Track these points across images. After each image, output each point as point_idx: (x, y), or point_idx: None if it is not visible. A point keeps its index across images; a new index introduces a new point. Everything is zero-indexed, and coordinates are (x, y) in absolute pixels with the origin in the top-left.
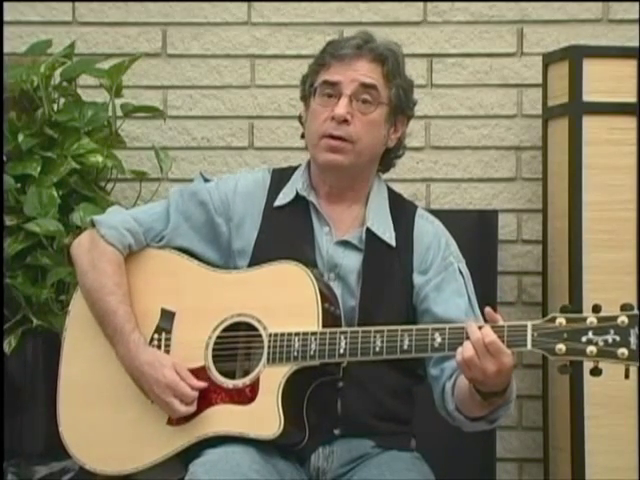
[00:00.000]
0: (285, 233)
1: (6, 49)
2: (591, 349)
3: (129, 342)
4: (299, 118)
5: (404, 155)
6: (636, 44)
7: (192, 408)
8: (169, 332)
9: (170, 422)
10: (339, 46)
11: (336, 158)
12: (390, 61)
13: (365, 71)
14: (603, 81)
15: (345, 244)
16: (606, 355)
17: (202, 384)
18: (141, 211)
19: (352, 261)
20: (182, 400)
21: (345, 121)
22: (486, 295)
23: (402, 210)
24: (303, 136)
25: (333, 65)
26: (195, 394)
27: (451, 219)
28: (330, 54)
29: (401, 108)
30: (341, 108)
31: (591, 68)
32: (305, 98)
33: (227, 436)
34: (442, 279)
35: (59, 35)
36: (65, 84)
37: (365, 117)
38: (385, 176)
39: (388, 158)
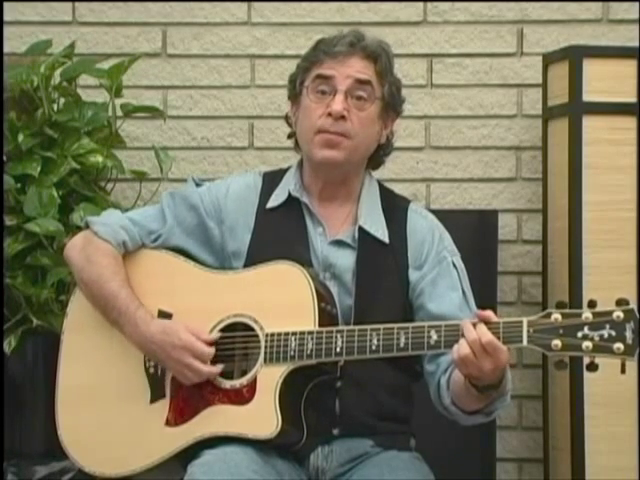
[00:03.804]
0: (279, 234)
1: (6, 49)
2: (587, 344)
3: (136, 319)
4: (286, 118)
5: (398, 153)
6: (636, 44)
7: (215, 369)
8: None
9: (168, 423)
10: (331, 44)
11: (332, 154)
12: (383, 59)
13: (359, 68)
14: (603, 81)
15: (339, 243)
16: (602, 350)
17: (216, 336)
18: (135, 213)
19: (346, 260)
20: (201, 359)
21: (342, 117)
22: (486, 295)
23: (394, 206)
24: (290, 136)
25: (326, 62)
26: (212, 350)
27: (451, 219)
28: (323, 51)
29: (393, 105)
30: (338, 104)
31: (591, 68)
32: (295, 97)
33: (225, 436)
34: (437, 274)
35: (59, 35)
36: (65, 84)
37: (361, 113)
38: (385, 176)
39: (378, 155)
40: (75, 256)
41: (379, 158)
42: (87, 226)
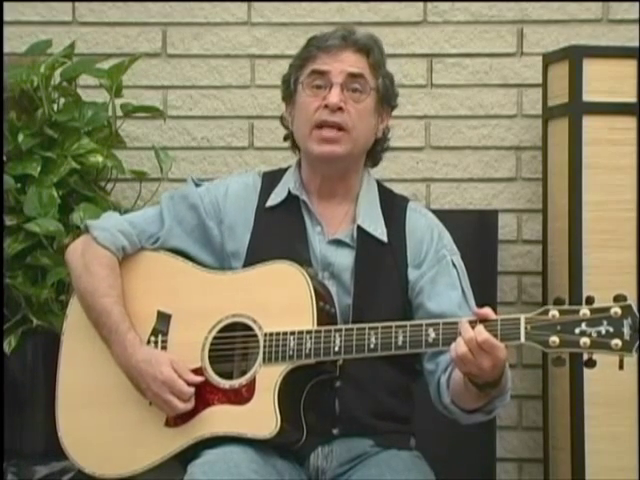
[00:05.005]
0: (278, 233)
1: (6, 49)
2: (584, 341)
3: (124, 341)
4: (281, 119)
5: (398, 153)
6: (636, 44)
7: (190, 405)
8: (165, 334)
9: (168, 424)
10: (324, 39)
11: (332, 149)
12: (375, 52)
13: (352, 61)
14: (603, 81)
15: (337, 243)
16: (600, 346)
17: (199, 379)
18: (134, 215)
19: (345, 259)
20: (179, 397)
21: (340, 109)
22: (486, 295)
23: (393, 205)
24: (286, 138)
25: (320, 57)
26: (191, 391)
27: (451, 219)
28: (316, 47)
29: (387, 98)
30: (334, 96)
31: (591, 68)
32: (289, 96)
33: (225, 436)
34: (436, 272)
35: (59, 35)
36: (65, 84)
37: (358, 105)
38: (385, 176)
39: (375, 151)
40: (75, 261)
41: (377, 154)
42: (87, 230)
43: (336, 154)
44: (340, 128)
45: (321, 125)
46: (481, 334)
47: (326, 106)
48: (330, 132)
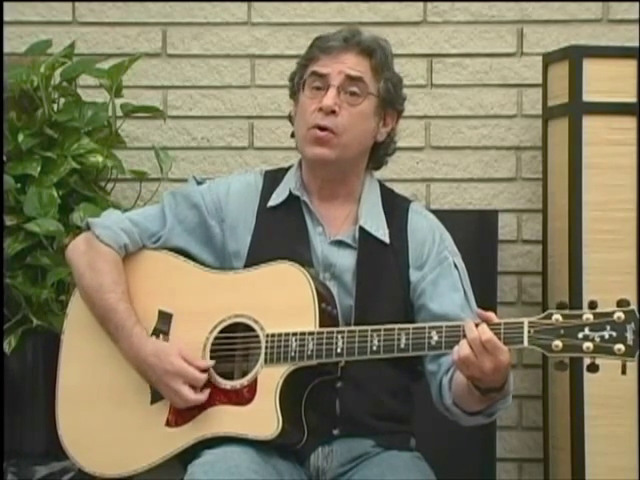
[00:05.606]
0: (279, 234)
1: (6, 49)
2: (587, 345)
3: (131, 336)
4: (289, 117)
5: (399, 154)
6: (636, 44)
7: (202, 397)
8: (167, 334)
9: (169, 424)
10: (327, 40)
11: (323, 152)
12: (378, 54)
13: (352, 64)
14: (603, 81)
15: (339, 243)
16: (603, 351)
17: (210, 363)
18: (136, 213)
19: (347, 260)
20: (192, 385)
21: (333, 112)
22: (486, 295)
23: (395, 206)
24: (293, 135)
25: (321, 58)
26: (204, 377)
27: (451, 219)
28: (318, 48)
29: (391, 102)
30: (329, 99)
31: (591, 68)
32: (294, 94)
33: (226, 437)
34: (438, 274)
35: (59, 35)
36: (65, 84)
37: (353, 108)
38: (385, 176)
39: (378, 154)
40: (77, 259)
41: (380, 157)
42: (88, 227)
43: (326, 158)
44: (331, 132)
45: (314, 128)
46: (485, 333)
47: (320, 109)
48: (321, 133)
